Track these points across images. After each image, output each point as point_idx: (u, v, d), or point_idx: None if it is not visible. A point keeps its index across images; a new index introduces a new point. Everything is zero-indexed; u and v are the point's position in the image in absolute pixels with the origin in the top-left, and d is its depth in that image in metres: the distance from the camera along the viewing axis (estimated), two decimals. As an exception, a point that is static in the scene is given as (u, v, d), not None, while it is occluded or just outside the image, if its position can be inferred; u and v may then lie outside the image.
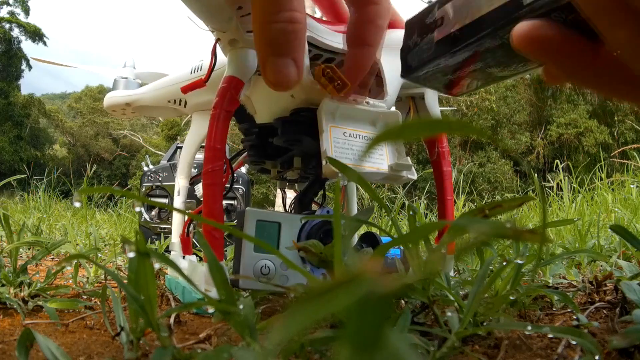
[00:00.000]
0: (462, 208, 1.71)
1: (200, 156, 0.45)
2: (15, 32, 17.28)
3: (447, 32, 0.32)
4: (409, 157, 0.48)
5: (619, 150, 2.22)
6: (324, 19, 0.52)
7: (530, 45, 0.25)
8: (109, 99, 0.75)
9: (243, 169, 1.39)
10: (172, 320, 0.39)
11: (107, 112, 0.77)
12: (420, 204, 1.94)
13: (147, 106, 0.71)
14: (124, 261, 0.77)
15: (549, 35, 0.24)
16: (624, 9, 0.21)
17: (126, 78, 0.77)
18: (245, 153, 0.60)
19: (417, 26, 0.35)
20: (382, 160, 0.46)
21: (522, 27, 0.25)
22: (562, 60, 0.25)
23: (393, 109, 0.51)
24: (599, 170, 1.76)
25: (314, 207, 0.57)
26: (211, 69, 0.49)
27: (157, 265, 0.49)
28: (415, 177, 0.47)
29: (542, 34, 0.24)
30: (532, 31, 0.25)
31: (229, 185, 0.57)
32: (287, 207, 0.64)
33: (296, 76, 0.37)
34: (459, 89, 0.36)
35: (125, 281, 0.27)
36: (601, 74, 0.25)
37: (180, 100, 0.65)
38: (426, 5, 0.35)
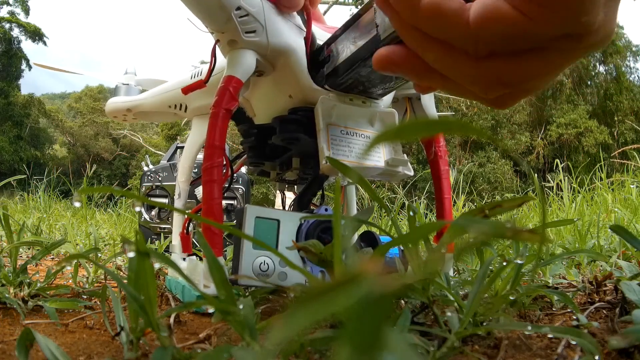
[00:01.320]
0: (462, 208, 1.71)
1: (201, 156, 0.45)
2: (15, 32, 17.29)
3: (333, 67, 0.42)
4: (405, 154, 0.48)
5: (619, 150, 2.22)
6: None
7: (383, 65, 0.34)
8: (110, 105, 0.76)
9: (243, 169, 1.39)
10: (172, 320, 0.39)
11: (109, 117, 0.78)
12: (420, 204, 1.94)
13: (148, 111, 0.72)
14: (124, 261, 0.77)
15: (393, 57, 0.34)
16: (429, 39, 0.31)
17: (127, 84, 0.78)
18: (245, 155, 0.60)
19: (312, 62, 0.46)
20: (378, 156, 0.47)
21: (376, 54, 0.34)
22: (409, 71, 0.34)
23: (390, 108, 0.52)
24: (598, 171, 1.76)
25: (313, 208, 0.57)
26: (211, 69, 0.49)
27: (157, 265, 0.49)
28: (411, 173, 0.48)
29: (389, 56, 0.34)
30: (382, 56, 0.34)
31: (227, 185, 0.57)
32: (286, 208, 0.64)
33: None
34: None
35: (125, 281, 0.27)
36: (441, 79, 0.34)
37: (181, 105, 0.66)
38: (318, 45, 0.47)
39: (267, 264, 0.42)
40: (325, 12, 5.46)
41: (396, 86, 0.46)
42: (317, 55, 0.46)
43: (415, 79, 0.36)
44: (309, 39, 0.46)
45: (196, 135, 0.63)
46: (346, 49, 0.42)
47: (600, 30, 0.29)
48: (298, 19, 0.48)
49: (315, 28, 0.49)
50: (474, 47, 0.30)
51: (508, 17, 0.28)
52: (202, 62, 0.63)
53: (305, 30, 0.47)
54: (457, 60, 0.31)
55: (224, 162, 0.44)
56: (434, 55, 0.32)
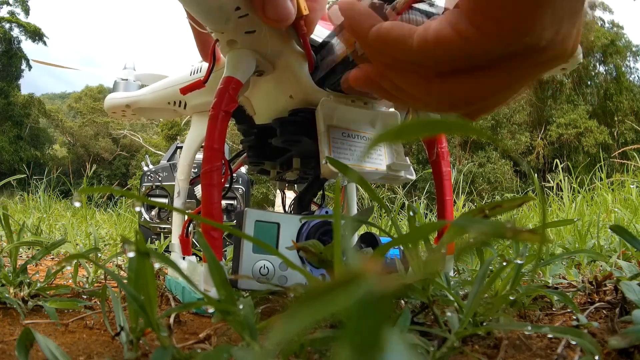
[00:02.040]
0: (462, 208, 1.71)
1: (200, 156, 0.45)
2: (15, 32, 17.28)
3: (330, 68, 0.44)
4: (407, 157, 0.48)
5: (619, 150, 2.22)
6: None
7: (357, 85, 0.39)
8: (109, 100, 0.75)
9: (243, 169, 1.39)
10: (172, 320, 0.39)
11: (108, 113, 0.78)
12: (420, 204, 1.94)
13: (147, 108, 0.72)
14: (124, 261, 0.77)
15: (364, 78, 0.38)
16: (383, 66, 0.35)
17: (126, 80, 0.77)
18: (245, 154, 0.60)
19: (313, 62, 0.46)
20: (380, 160, 0.46)
21: (350, 75, 0.39)
22: (379, 92, 0.38)
23: (392, 109, 0.52)
24: (598, 171, 1.76)
25: (313, 207, 0.57)
26: (210, 69, 0.49)
27: (157, 265, 0.49)
28: (414, 177, 0.47)
29: (359, 78, 0.38)
30: (353, 77, 0.39)
31: (228, 186, 0.57)
32: (286, 208, 0.64)
33: (293, 9, 0.41)
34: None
35: (125, 281, 0.27)
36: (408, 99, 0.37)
37: (180, 102, 0.65)
38: None
39: (267, 267, 0.42)
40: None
41: None
42: (317, 55, 0.46)
43: (385, 98, 0.39)
44: (307, 43, 0.45)
45: (195, 133, 0.63)
46: (337, 51, 0.43)
47: (555, 47, 0.29)
48: None
49: (318, 26, 0.49)
50: (422, 69, 0.32)
51: (447, 40, 0.30)
52: (202, 61, 0.63)
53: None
54: (411, 83, 0.34)
55: (223, 165, 0.43)
56: (389, 84, 0.36)
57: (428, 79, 0.33)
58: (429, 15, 0.36)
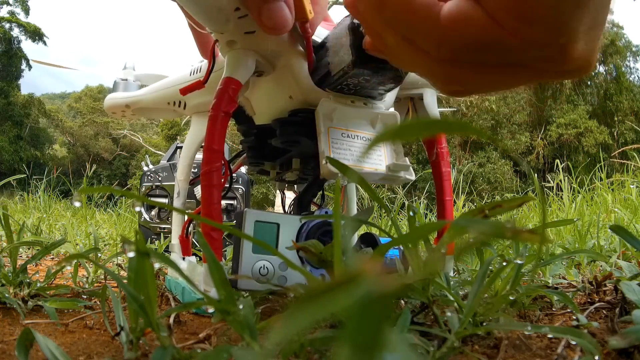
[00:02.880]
0: (462, 208, 1.71)
1: (200, 156, 0.45)
2: (15, 31, 17.28)
3: (327, 69, 0.44)
4: (407, 158, 0.48)
5: (619, 150, 2.22)
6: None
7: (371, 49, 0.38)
8: (108, 100, 0.75)
9: (243, 169, 1.39)
10: (171, 320, 0.39)
11: (107, 113, 0.78)
12: (420, 204, 1.94)
13: (147, 108, 0.72)
14: (123, 261, 0.77)
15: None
16: (391, 31, 0.31)
17: (126, 80, 0.77)
18: (245, 154, 0.60)
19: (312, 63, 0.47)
20: (380, 161, 0.46)
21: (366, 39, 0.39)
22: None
23: (392, 109, 0.51)
24: (598, 171, 1.76)
25: (313, 208, 0.57)
26: (210, 70, 0.49)
27: (157, 265, 0.49)
28: (413, 177, 0.47)
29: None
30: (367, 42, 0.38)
31: (228, 186, 0.57)
32: (286, 208, 0.64)
33: (290, 17, 0.40)
34: None
35: (125, 281, 0.27)
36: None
37: (180, 102, 0.65)
38: None
39: (267, 268, 0.42)
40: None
41: (395, 87, 0.46)
42: (316, 55, 0.46)
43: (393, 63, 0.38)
44: (310, 47, 0.45)
45: (195, 133, 0.63)
46: (333, 52, 0.43)
47: (578, 59, 0.27)
48: None
49: (319, 27, 0.49)
50: (437, 50, 0.29)
51: (481, 24, 0.26)
52: (202, 61, 0.63)
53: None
54: (417, 55, 0.31)
55: (223, 166, 0.43)
56: (394, 56, 0.34)
57: (439, 61, 0.30)
58: None
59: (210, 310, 0.40)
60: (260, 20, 0.40)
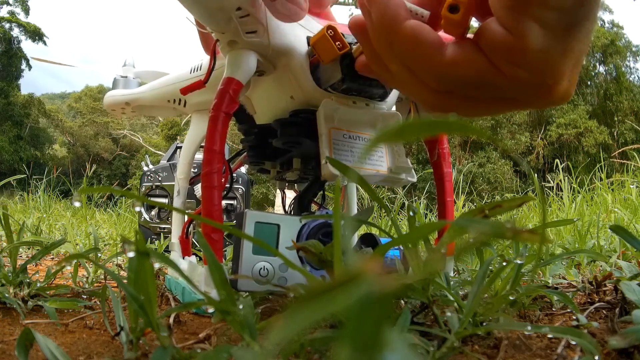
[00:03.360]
0: (462, 208, 1.71)
1: (200, 156, 0.45)
2: (15, 31, 17.27)
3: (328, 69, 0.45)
4: (408, 159, 0.47)
5: (619, 150, 2.22)
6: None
7: (361, 69, 0.41)
8: (108, 98, 0.75)
9: (243, 169, 1.39)
10: (171, 320, 0.39)
11: (107, 111, 0.77)
12: (420, 204, 1.94)
13: (147, 105, 0.71)
14: (123, 261, 0.77)
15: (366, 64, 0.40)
16: (394, 58, 0.34)
17: (126, 77, 0.77)
18: (245, 153, 0.60)
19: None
20: (381, 162, 0.46)
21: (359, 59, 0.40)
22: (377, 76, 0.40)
23: (393, 109, 0.51)
24: (598, 171, 1.76)
25: (314, 208, 0.57)
26: (210, 69, 0.48)
27: (157, 265, 0.49)
28: (414, 179, 0.47)
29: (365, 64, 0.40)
30: (360, 62, 0.40)
31: (228, 186, 0.57)
32: (286, 208, 0.64)
33: (305, 5, 0.42)
34: None
35: (125, 281, 0.27)
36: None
37: (180, 100, 0.65)
38: None
39: (267, 269, 0.42)
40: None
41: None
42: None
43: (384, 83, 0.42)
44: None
45: (195, 132, 0.62)
46: (322, 68, 0.44)
47: (561, 94, 0.31)
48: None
49: (317, 26, 0.49)
50: (437, 83, 0.32)
51: (481, 66, 0.30)
52: (202, 59, 0.63)
53: (307, 29, 0.47)
54: (413, 88, 0.34)
55: (224, 166, 0.43)
56: (391, 79, 0.36)
57: (434, 91, 0.33)
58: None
59: (210, 310, 0.40)
60: (274, 9, 0.41)
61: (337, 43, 0.42)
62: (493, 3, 0.30)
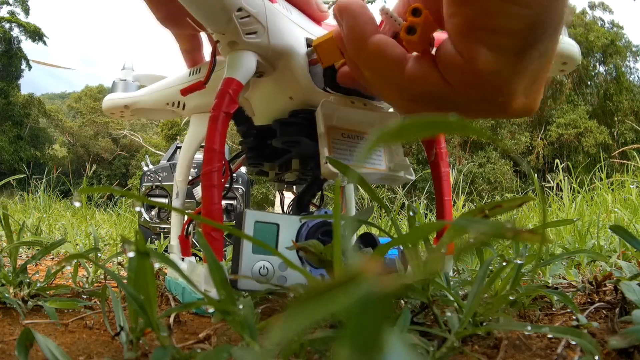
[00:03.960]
0: (462, 208, 1.71)
1: (200, 156, 0.45)
2: (15, 31, 17.27)
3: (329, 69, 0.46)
4: (407, 158, 0.48)
5: (619, 150, 2.22)
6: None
7: (341, 80, 0.44)
8: (107, 101, 0.75)
9: (243, 169, 1.39)
10: (171, 320, 0.39)
11: (106, 114, 0.77)
12: (419, 204, 1.94)
13: (146, 108, 0.71)
14: (123, 261, 0.77)
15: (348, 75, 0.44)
16: (365, 65, 0.37)
17: (125, 80, 0.77)
18: (244, 154, 0.60)
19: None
20: (380, 160, 0.46)
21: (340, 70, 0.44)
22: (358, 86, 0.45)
23: (392, 109, 0.51)
24: (598, 171, 1.76)
25: (312, 209, 0.57)
26: (210, 70, 0.49)
27: (157, 265, 0.49)
28: (413, 177, 0.47)
29: (345, 75, 0.44)
30: (341, 73, 0.44)
31: (228, 186, 0.57)
32: (285, 209, 0.64)
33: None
34: None
35: (125, 281, 0.27)
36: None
37: (179, 103, 0.65)
38: None
39: (267, 268, 0.42)
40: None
41: None
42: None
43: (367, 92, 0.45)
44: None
45: (194, 133, 0.62)
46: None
47: (518, 109, 0.33)
48: (301, 20, 0.48)
49: (319, 29, 0.49)
50: (399, 92, 0.35)
51: (435, 82, 0.33)
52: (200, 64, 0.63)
53: (307, 30, 0.47)
54: (386, 90, 0.37)
55: (224, 166, 0.43)
56: (368, 85, 0.39)
57: (401, 99, 0.36)
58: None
59: (210, 310, 0.40)
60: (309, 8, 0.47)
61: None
62: (447, 27, 0.31)
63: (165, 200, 1.42)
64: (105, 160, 18.17)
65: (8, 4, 17.38)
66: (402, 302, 0.39)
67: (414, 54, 0.34)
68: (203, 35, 0.60)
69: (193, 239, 0.59)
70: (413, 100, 0.35)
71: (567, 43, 0.54)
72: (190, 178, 0.61)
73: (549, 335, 0.33)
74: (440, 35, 0.34)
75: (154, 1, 0.51)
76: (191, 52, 0.61)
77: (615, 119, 12.39)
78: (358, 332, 0.09)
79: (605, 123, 12.38)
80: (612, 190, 1.68)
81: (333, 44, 0.42)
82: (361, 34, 0.35)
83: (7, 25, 16.96)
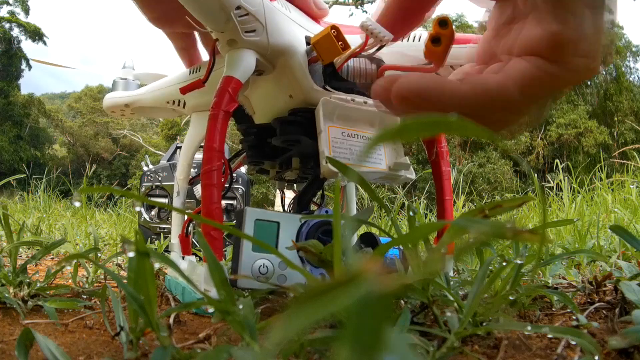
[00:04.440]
0: (462, 208, 1.71)
1: (200, 156, 0.45)
2: (15, 31, 17.27)
3: (331, 69, 0.46)
4: (407, 157, 0.48)
5: (619, 150, 2.22)
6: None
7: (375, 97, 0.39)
8: (108, 100, 0.75)
9: (243, 169, 1.39)
10: (171, 320, 0.39)
11: (107, 112, 0.77)
12: (419, 204, 1.94)
13: (146, 107, 0.71)
14: (123, 261, 0.77)
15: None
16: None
17: (125, 79, 0.77)
18: (245, 153, 0.60)
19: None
20: (380, 160, 0.46)
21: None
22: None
23: None
24: (598, 171, 1.76)
25: (313, 207, 0.57)
26: (210, 69, 0.49)
27: (157, 265, 0.49)
28: (413, 176, 0.47)
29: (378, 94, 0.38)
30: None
31: (228, 185, 0.57)
32: (285, 208, 0.64)
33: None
34: None
35: (125, 281, 0.27)
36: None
37: (179, 101, 0.65)
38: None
39: (267, 266, 0.42)
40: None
41: None
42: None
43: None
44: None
45: (195, 132, 0.62)
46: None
47: (596, 67, 0.33)
48: (300, 18, 0.48)
49: (318, 27, 0.49)
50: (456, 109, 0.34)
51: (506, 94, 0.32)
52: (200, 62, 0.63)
53: (306, 29, 0.47)
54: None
55: (223, 165, 0.43)
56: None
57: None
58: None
59: (210, 310, 0.40)
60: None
61: (340, 43, 0.42)
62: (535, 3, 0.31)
63: (165, 200, 1.42)
64: (105, 160, 18.18)
65: (8, 4, 17.38)
66: (402, 302, 0.39)
67: (461, 77, 0.33)
68: (197, 33, 0.60)
69: (193, 239, 0.59)
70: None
71: None
72: (191, 177, 0.61)
73: (549, 335, 0.33)
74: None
75: (146, 2, 0.51)
76: (187, 50, 0.61)
77: (615, 119, 12.39)
78: (358, 332, 0.09)
79: (605, 123, 12.38)
80: (612, 190, 1.68)
81: (331, 40, 0.41)
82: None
83: (7, 25, 16.96)
